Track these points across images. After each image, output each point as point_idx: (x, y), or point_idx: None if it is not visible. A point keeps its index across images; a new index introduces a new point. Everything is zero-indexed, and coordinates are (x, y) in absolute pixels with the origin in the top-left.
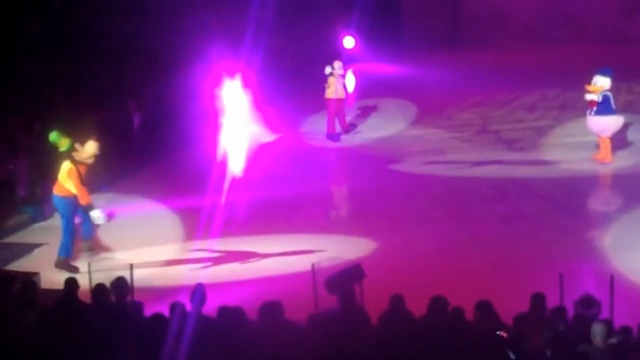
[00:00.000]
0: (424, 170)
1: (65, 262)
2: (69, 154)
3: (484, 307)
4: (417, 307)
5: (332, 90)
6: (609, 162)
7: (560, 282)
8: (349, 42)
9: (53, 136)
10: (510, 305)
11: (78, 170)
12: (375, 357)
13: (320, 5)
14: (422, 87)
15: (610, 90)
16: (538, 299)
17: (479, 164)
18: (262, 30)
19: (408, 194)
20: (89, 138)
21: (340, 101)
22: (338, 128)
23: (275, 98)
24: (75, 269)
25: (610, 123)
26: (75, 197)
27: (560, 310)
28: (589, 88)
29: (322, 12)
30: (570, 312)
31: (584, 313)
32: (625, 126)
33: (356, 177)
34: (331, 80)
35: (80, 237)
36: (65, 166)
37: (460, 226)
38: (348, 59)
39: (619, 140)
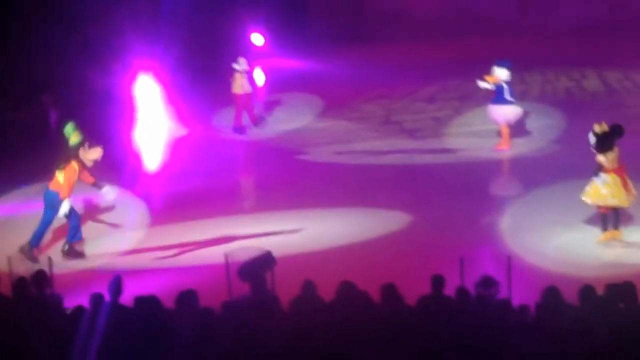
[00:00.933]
0: (330, 159)
1: (30, 250)
2: (75, 151)
3: (389, 290)
4: (327, 292)
5: (238, 85)
6: (507, 150)
7: (461, 265)
8: (257, 39)
9: (68, 128)
10: (415, 288)
11: (76, 169)
12: (287, 342)
13: (229, 2)
14: (329, 81)
15: (508, 81)
16: (438, 281)
17: (383, 153)
18: (174, 27)
19: (314, 184)
20: (98, 144)
21: (247, 96)
22: (247, 121)
23: (187, 93)
24: (35, 260)
25: (506, 112)
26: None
27: (462, 291)
28: (487, 78)
29: (232, 9)
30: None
31: (484, 293)
32: (523, 115)
33: (264, 169)
34: (237, 75)
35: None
36: (72, 164)
37: (366, 213)
38: (258, 55)
39: (517, 128)
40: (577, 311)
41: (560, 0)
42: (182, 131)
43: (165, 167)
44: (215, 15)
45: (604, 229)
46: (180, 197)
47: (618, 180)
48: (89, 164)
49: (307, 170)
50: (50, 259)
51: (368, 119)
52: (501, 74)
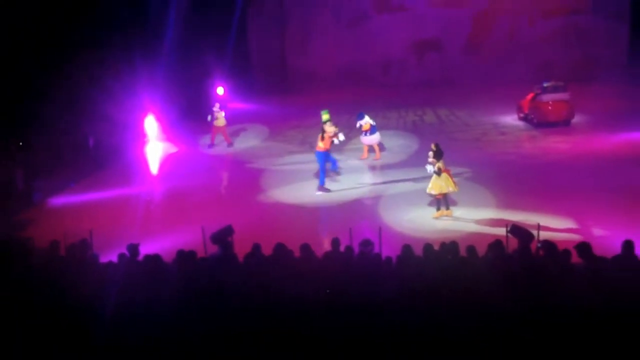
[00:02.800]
0: (268, 166)
1: (322, 188)
2: (325, 126)
3: (305, 248)
4: (268, 251)
5: (220, 122)
6: (379, 159)
7: (350, 233)
8: (220, 90)
9: (324, 113)
10: (322, 248)
11: (330, 136)
12: (241, 280)
13: (201, 65)
14: (266, 117)
15: (361, 122)
16: (335, 242)
17: (302, 162)
18: (166, 81)
19: (258, 181)
20: (334, 125)
21: (221, 127)
22: (220, 142)
23: (176, 126)
24: (328, 190)
25: (376, 138)
26: (325, 151)
27: (349, 249)
28: (364, 127)
29: (203, 69)
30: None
31: (364, 250)
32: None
33: (227, 172)
34: (215, 114)
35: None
36: (324, 134)
37: (292, 201)
38: (222, 101)
39: (381, 146)
40: (421, 260)
41: (409, 65)
42: (173, 149)
43: (163, 170)
44: (192, 73)
45: (438, 208)
46: (172, 190)
47: (447, 176)
48: (330, 135)
49: (254, 173)
50: (91, 231)
51: (291, 140)
52: (367, 120)
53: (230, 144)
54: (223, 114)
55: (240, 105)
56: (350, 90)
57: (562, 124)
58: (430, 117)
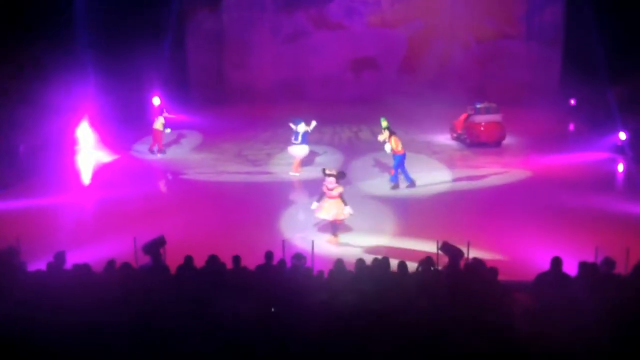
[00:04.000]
0: (200, 178)
1: (412, 184)
2: (387, 129)
3: (236, 260)
4: (199, 262)
5: (158, 125)
6: (298, 174)
7: (283, 246)
8: (156, 100)
9: (384, 120)
10: (256, 260)
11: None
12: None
13: (137, 74)
14: (202, 128)
15: (298, 131)
16: (268, 255)
17: (235, 173)
18: (101, 89)
19: (187, 193)
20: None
21: (159, 132)
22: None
23: (112, 133)
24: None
25: (304, 150)
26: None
27: (282, 262)
28: (309, 128)
29: (139, 79)
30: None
31: (296, 263)
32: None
33: (159, 182)
34: (159, 118)
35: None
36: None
37: (224, 213)
38: (159, 111)
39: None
40: (353, 275)
41: (346, 82)
42: (109, 157)
43: (96, 178)
44: (127, 83)
45: (334, 233)
46: (105, 198)
47: (339, 202)
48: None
49: (189, 183)
50: (18, 238)
51: (225, 153)
52: (303, 126)
53: (162, 151)
54: (162, 119)
55: (176, 116)
56: (287, 104)
57: (493, 145)
58: (365, 134)
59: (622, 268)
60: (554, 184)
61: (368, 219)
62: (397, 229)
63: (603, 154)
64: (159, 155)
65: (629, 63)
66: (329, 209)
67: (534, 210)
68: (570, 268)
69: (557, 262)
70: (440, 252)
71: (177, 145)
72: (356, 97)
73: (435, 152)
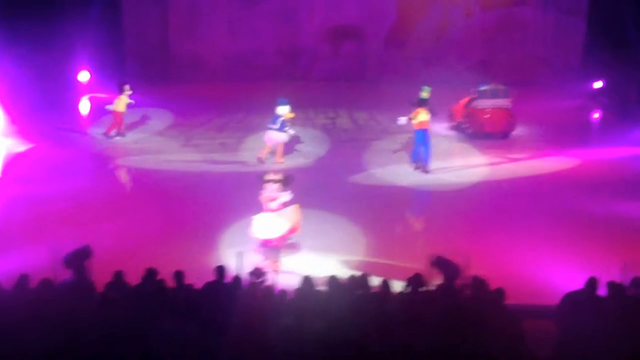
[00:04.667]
0: (138, 172)
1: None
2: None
3: (179, 276)
4: (133, 278)
5: (120, 106)
6: (282, 162)
7: (239, 258)
8: (83, 75)
9: (425, 89)
10: (205, 276)
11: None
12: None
13: (61, 44)
14: (143, 112)
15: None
16: (220, 271)
17: (181, 166)
18: (18, 64)
19: (120, 191)
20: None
21: (119, 113)
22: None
23: (28, 116)
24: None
25: (285, 136)
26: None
27: (237, 279)
28: (287, 116)
29: (62, 49)
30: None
31: (255, 281)
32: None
33: (88, 173)
34: (119, 98)
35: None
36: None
37: (166, 216)
38: (84, 89)
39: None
40: (324, 295)
41: (321, 55)
42: (24, 146)
43: (10, 171)
44: (49, 55)
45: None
46: (19, 197)
47: (283, 215)
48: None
49: (116, 180)
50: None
51: (170, 142)
52: (285, 110)
53: (110, 135)
54: (127, 98)
55: (109, 96)
56: (247, 83)
57: (500, 136)
58: (344, 121)
59: None
60: (574, 185)
61: (343, 226)
62: (380, 239)
63: (635, 149)
64: (117, 139)
65: None
66: (270, 226)
67: (549, 218)
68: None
69: (592, 283)
70: (432, 268)
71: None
72: (333, 74)
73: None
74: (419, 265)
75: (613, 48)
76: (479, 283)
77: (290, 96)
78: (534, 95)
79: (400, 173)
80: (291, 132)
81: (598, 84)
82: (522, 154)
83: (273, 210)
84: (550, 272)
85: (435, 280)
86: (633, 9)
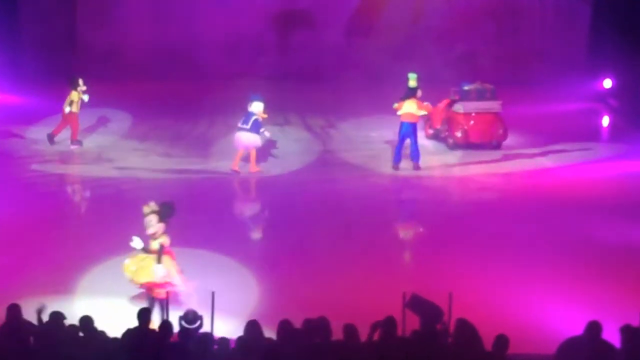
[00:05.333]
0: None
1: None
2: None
3: (89, 322)
4: None
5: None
6: (256, 171)
7: (164, 305)
8: None
9: (412, 77)
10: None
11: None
12: None
13: None
14: (44, 115)
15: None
16: (143, 315)
17: (91, 183)
18: None
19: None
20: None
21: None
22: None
23: None
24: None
25: (258, 140)
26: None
27: (166, 323)
28: (261, 114)
29: None
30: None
31: (187, 326)
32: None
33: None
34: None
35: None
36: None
37: (66, 241)
38: None
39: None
40: (275, 343)
41: (266, 47)
42: None
43: None
44: None
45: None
46: None
47: (171, 260)
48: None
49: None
50: None
51: (82, 154)
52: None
53: (76, 142)
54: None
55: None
56: (175, 81)
57: (489, 147)
58: (296, 130)
59: None
60: (580, 207)
61: (296, 256)
62: (342, 273)
63: None
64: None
65: None
66: (144, 270)
67: (550, 247)
68: (607, 333)
69: (594, 328)
70: (407, 309)
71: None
72: (282, 71)
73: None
74: (391, 306)
75: (624, 39)
76: (463, 327)
77: (226, 97)
78: (529, 96)
79: (367, 191)
80: (267, 134)
81: (607, 83)
82: (515, 169)
83: (150, 252)
84: (551, 313)
85: (411, 325)
86: None
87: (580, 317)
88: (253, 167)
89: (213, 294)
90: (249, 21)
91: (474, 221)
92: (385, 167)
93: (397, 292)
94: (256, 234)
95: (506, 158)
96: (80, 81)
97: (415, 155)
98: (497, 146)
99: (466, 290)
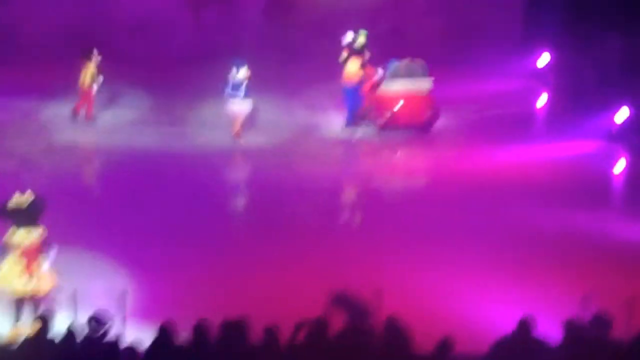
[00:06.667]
0: None
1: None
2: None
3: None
4: None
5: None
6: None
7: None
8: None
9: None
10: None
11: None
12: None
13: None
14: None
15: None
16: (42, 321)
17: None
18: None
19: None
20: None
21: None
22: None
23: None
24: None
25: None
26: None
27: (70, 332)
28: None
29: None
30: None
31: (93, 334)
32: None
33: None
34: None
35: None
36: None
37: None
38: None
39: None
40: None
41: (177, 27)
42: None
43: None
44: None
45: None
46: None
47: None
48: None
49: None
50: None
51: None
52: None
53: (90, 118)
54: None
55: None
56: (77, 64)
57: (419, 129)
58: (207, 114)
59: (622, 329)
60: (517, 193)
61: (212, 253)
62: (263, 269)
63: (592, 143)
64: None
65: None
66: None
67: (486, 236)
68: (548, 328)
69: (525, 325)
70: (333, 307)
71: None
72: (195, 52)
73: (325, 141)
74: (316, 304)
75: (565, 8)
76: (393, 325)
77: (136, 82)
78: (462, 74)
79: (285, 181)
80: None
81: (544, 60)
82: (448, 152)
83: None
84: (487, 308)
85: (338, 323)
86: None
87: (516, 312)
88: (237, 135)
89: (125, 294)
90: None
91: (403, 210)
92: (312, 149)
93: (322, 290)
94: (167, 230)
95: (437, 141)
96: (95, 52)
97: (348, 114)
98: (427, 129)
99: (396, 286)
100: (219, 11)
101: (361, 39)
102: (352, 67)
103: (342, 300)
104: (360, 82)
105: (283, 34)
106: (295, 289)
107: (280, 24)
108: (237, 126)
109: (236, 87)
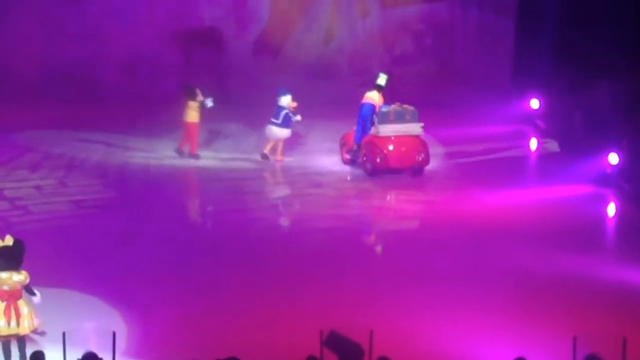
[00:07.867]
0: None
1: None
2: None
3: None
4: None
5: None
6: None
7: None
8: None
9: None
10: None
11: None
12: None
13: None
14: None
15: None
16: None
17: None
18: None
19: None
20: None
21: (192, 125)
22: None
23: None
24: None
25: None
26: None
27: None
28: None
29: None
30: None
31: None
32: None
33: None
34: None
35: None
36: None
37: None
38: None
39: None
40: None
41: (170, 67)
42: None
43: None
44: None
45: None
46: None
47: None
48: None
49: None
50: None
51: None
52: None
53: (194, 155)
54: (200, 101)
55: None
56: (74, 105)
57: (410, 173)
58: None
59: None
60: (508, 236)
61: (203, 289)
62: (253, 308)
63: (582, 187)
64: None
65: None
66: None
67: (476, 278)
68: None
69: None
70: (324, 348)
71: None
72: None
73: (315, 184)
74: (307, 344)
75: (555, 53)
76: None
77: (123, 123)
78: (452, 118)
79: (277, 220)
80: (298, 118)
81: (534, 104)
82: (439, 196)
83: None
84: (478, 349)
85: None
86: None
87: (507, 354)
88: (279, 156)
89: (114, 334)
90: (149, 40)
91: (394, 252)
92: (303, 191)
93: (314, 330)
94: (157, 269)
95: (428, 184)
96: (198, 91)
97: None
98: (419, 172)
99: (388, 327)
100: (207, 51)
101: (380, 80)
102: (373, 95)
103: (333, 341)
104: (377, 107)
105: (274, 76)
106: (287, 329)
107: (270, 65)
108: (267, 148)
109: (277, 114)
